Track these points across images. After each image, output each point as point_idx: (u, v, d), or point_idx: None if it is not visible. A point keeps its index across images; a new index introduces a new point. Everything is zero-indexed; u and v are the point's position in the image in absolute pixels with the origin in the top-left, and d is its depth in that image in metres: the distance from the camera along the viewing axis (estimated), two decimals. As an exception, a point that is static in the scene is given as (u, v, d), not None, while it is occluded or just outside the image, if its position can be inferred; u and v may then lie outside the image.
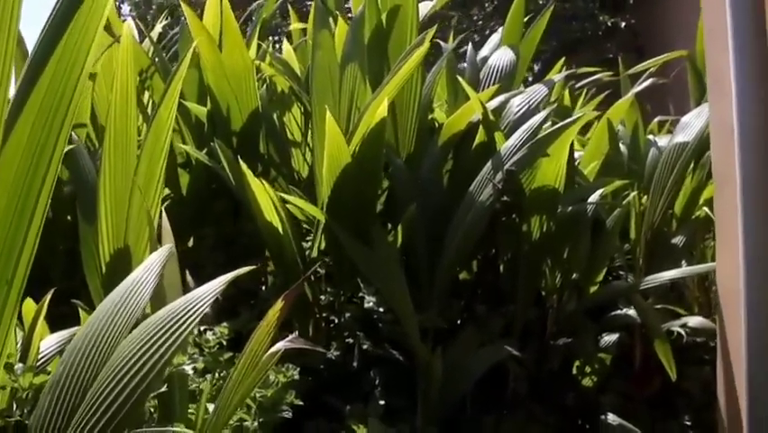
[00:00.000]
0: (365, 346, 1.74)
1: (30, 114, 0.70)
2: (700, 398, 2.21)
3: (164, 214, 1.42)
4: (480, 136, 2.04)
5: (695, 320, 2.35)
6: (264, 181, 1.73)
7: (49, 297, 1.23)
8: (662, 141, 2.69)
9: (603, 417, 2.17)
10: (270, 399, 1.29)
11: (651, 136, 2.85)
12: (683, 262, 2.54)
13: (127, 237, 1.55)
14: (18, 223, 0.74)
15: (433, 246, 1.87)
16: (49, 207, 2.25)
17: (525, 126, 1.94)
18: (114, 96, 1.53)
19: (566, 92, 2.37)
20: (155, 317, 0.90)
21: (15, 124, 0.68)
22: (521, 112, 2.23)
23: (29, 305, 1.25)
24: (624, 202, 2.41)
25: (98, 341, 0.92)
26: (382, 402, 1.67)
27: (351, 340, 1.84)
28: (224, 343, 1.63)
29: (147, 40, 2.78)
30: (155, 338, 0.87)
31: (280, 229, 1.75)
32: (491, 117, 2.00)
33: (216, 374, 1.34)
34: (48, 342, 1.23)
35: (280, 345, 1.13)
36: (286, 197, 1.78)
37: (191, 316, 0.89)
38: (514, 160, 1.86)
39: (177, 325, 0.88)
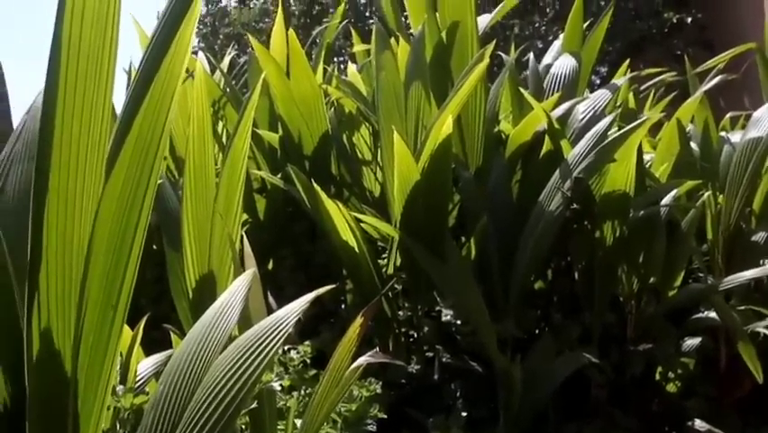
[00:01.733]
0: (445, 359, 1.77)
1: (126, 154, 0.77)
2: (796, 401, 2.14)
3: (245, 238, 1.48)
4: (546, 145, 2.05)
5: (782, 320, 2.28)
6: (338, 202, 1.79)
7: (143, 322, 1.31)
8: (735, 137, 2.63)
9: (690, 423, 2.13)
10: (355, 413, 1.33)
11: (723, 133, 2.80)
12: (765, 260, 2.48)
13: (211, 262, 1.62)
14: (120, 252, 0.81)
15: (505, 257, 1.89)
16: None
17: (590, 133, 1.95)
18: (191, 131, 1.61)
19: (630, 95, 2.36)
20: (243, 337, 0.95)
21: (115, 163, 0.75)
22: (586, 118, 2.22)
23: (125, 331, 1.33)
24: (699, 203, 2.37)
25: (193, 362, 0.98)
26: (464, 414, 1.69)
27: (430, 353, 1.88)
28: (308, 361, 1.67)
29: (218, 71, 2.89)
30: (245, 357, 0.93)
31: (356, 248, 1.81)
32: (556, 126, 2.01)
33: (302, 391, 1.39)
34: (144, 365, 1.31)
35: (362, 360, 1.18)
36: (360, 216, 1.83)
37: (277, 335, 0.94)
38: (582, 167, 1.87)
39: (264, 344, 0.93)
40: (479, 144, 2.18)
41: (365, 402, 1.34)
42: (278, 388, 1.22)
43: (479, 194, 1.95)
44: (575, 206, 1.87)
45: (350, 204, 2.21)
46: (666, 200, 2.23)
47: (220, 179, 1.66)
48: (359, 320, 1.16)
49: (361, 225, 1.89)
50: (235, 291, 1.00)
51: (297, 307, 0.97)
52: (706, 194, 2.43)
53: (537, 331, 2.06)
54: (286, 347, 1.81)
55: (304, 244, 2.30)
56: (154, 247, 2.27)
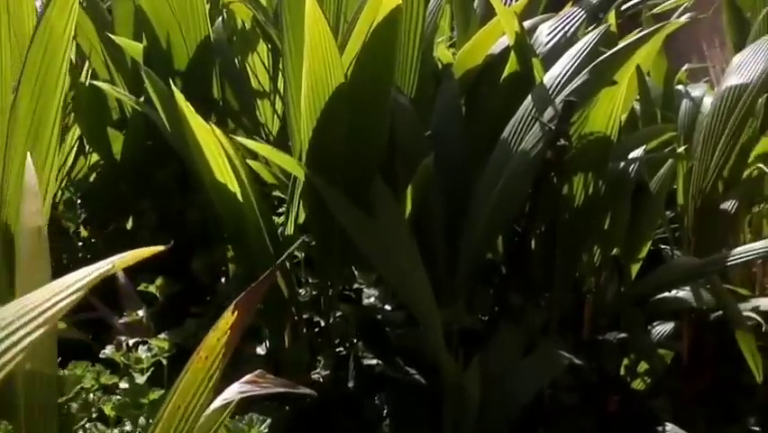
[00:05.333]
0: (366, 360, 1.22)
1: None
2: None
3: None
4: (510, 66, 1.51)
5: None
6: (213, 126, 1.18)
7: None
8: (697, 91, 2.28)
9: (660, 428, 1.77)
10: (224, 471, 0.76)
11: (680, 87, 2.42)
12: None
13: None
14: None
15: (453, 214, 1.35)
16: None
17: (574, 49, 1.43)
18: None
19: (612, 13, 1.86)
20: None
21: None
22: (553, 42, 1.73)
23: None
24: (677, 152, 1.96)
25: None
26: (394, 441, 1.15)
27: (342, 350, 1.31)
28: (164, 362, 1.14)
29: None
30: None
31: (239, 195, 1.18)
32: (527, 40, 1.47)
33: (128, 426, 0.81)
34: None
35: (230, 395, 0.61)
36: (242, 140, 1.22)
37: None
38: (568, 90, 1.34)
39: None
40: (413, 71, 1.62)
41: (242, 451, 0.78)
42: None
43: (419, 127, 1.39)
44: (562, 142, 1.34)
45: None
46: (635, 154, 1.83)
47: (20, 84, 1.05)
48: (228, 318, 0.59)
49: (251, 166, 1.29)
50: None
51: (64, 286, 0.40)
52: (681, 148, 2.02)
53: (488, 318, 1.54)
54: (132, 342, 1.28)
55: (172, 194, 1.70)
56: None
